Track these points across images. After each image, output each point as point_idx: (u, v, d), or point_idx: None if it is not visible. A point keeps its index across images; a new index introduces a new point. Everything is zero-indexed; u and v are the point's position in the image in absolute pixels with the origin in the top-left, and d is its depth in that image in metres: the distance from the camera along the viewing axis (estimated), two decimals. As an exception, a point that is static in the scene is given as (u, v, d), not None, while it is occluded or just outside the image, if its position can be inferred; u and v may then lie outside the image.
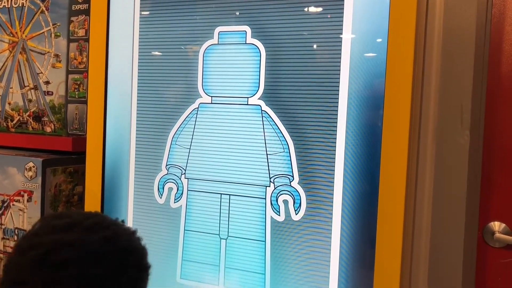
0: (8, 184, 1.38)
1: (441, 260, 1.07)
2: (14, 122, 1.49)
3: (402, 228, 0.97)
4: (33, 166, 1.34)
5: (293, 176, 1.06)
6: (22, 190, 1.36)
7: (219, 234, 1.13)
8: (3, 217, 1.39)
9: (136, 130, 1.22)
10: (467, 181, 1.06)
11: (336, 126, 1.02)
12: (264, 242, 1.09)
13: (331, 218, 1.03)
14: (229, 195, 1.12)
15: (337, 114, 1.02)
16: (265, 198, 1.09)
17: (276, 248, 1.08)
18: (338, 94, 1.02)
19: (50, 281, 0.61)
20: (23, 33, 1.47)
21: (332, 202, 1.03)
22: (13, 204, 1.37)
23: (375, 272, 0.98)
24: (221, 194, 1.13)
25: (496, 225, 1.10)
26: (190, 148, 1.16)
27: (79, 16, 1.39)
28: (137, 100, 1.22)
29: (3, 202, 1.39)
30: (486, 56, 1.08)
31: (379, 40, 0.99)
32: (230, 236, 1.12)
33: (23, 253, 0.64)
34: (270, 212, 1.08)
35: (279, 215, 1.08)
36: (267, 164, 1.08)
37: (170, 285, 1.18)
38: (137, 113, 1.22)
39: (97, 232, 0.66)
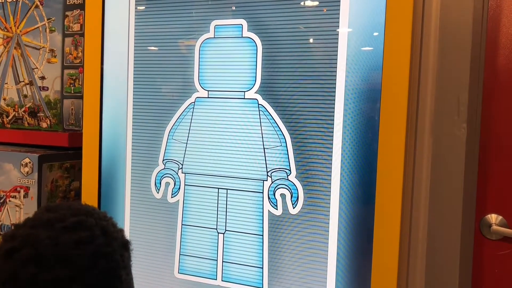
0: (4, 180, 1.37)
1: (439, 252, 1.07)
2: (10, 118, 1.48)
3: (399, 220, 0.97)
4: (29, 162, 1.34)
5: (290, 170, 1.06)
6: (19, 186, 1.35)
7: (216, 229, 1.13)
8: (-1, 213, 1.39)
9: (133, 125, 1.22)
10: (464, 173, 1.06)
11: (333, 120, 1.02)
12: (261, 236, 1.09)
13: (329, 211, 1.03)
14: (227, 189, 1.12)
15: (334, 108, 1.02)
16: (262, 192, 1.09)
17: (274, 242, 1.08)
18: (335, 88, 1.02)
19: (8, 276, 0.59)
20: (18, 28, 1.46)
21: (330, 195, 1.03)
22: (9, 200, 1.37)
23: (372, 263, 0.99)
24: (218, 188, 1.13)
25: (493, 218, 1.10)
26: (187, 143, 1.16)
27: (74, 10, 1.38)
28: (133, 95, 1.22)
29: (0, 198, 1.38)
30: (483, 49, 1.08)
31: (376, 33, 0.99)
32: (227, 230, 1.12)
33: (3, 242, 0.63)
34: (267, 206, 1.08)
35: (277, 209, 1.08)
36: (264, 158, 1.08)
37: (168, 279, 1.18)
38: (133, 108, 1.22)
39: (73, 232, 0.62)
